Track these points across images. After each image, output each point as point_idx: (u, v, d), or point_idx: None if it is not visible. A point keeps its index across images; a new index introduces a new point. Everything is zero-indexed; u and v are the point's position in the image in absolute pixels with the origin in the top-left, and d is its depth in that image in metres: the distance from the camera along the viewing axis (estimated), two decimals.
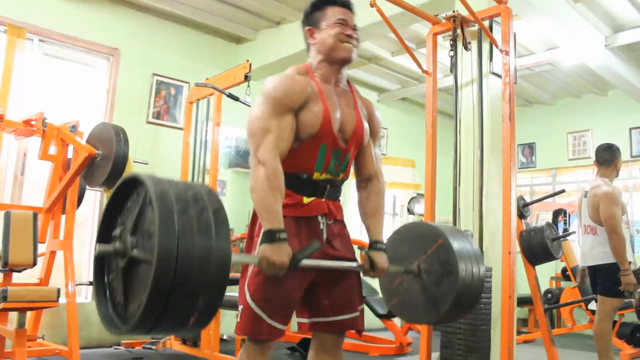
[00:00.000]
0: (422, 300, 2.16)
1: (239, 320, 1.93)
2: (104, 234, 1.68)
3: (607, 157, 4.22)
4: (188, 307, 1.46)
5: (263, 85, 1.99)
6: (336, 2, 2.05)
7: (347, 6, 2.07)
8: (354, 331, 2.22)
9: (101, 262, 1.71)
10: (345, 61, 2.05)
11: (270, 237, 1.77)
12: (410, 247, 2.25)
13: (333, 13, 2.04)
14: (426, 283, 2.16)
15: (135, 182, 1.62)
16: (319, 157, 1.98)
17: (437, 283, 2.12)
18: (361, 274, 2.11)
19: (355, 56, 2.05)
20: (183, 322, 1.49)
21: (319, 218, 2.01)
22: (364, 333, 5.42)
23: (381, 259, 2.05)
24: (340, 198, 2.15)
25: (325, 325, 2.05)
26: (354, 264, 2.04)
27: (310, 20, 2.09)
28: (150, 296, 1.39)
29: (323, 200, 2.02)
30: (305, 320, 2.07)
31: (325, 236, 2.02)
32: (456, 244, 2.17)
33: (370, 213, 2.14)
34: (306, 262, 1.85)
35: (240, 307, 1.94)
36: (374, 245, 2.08)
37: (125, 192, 1.67)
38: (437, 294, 2.11)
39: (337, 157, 2.02)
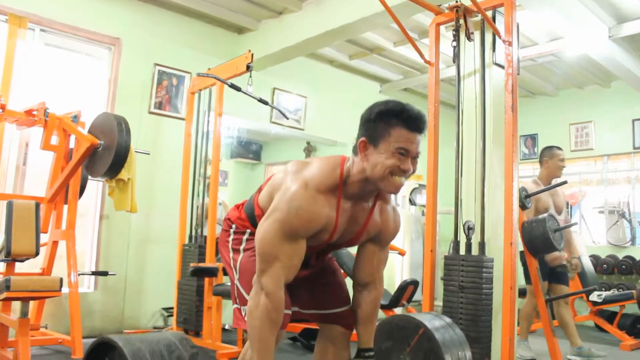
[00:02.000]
0: None
1: (247, 319, 1.91)
2: None
3: (540, 158, 4.79)
4: None
5: (285, 187, 1.83)
6: (407, 123, 1.78)
7: (418, 130, 1.80)
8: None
9: None
10: (390, 194, 1.94)
11: None
12: (393, 341, 2.26)
13: (397, 138, 1.77)
14: None
15: (106, 346, 1.59)
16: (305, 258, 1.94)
17: None
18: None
19: (400, 189, 1.87)
20: None
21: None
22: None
23: None
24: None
25: (322, 317, 2.10)
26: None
27: (369, 130, 1.82)
28: None
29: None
30: (307, 312, 2.11)
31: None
32: (438, 333, 2.17)
33: (363, 320, 2.09)
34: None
35: (243, 308, 1.95)
36: (362, 354, 2.06)
37: (99, 355, 1.64)
38: None
39: (309, 260, 2.04)
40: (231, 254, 2.06)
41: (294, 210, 1.76)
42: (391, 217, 2.04)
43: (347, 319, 2.13)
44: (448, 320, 2.41)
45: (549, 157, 4.67)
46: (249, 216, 2.05)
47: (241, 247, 2.03)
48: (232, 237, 2.08)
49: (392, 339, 2.25)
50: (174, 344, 1.51)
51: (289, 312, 1.97)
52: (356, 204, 1.91)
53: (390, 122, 1.77)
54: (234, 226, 2.10)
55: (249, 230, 2.04)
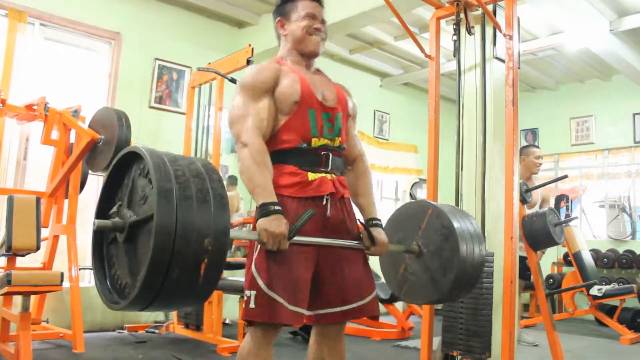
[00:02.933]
0: (431, 275, 2.16)
1: (253, 306, 1.87)
2: (103, 210, 1.69)
3: (520, 156, 4.81)
4: (196, 254, 1.45)
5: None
6: None
7: (318, 0, 2.14)
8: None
9: (99, 239, 1.71)
10: (312, 54, 2.12)
11: (265, 210, 1.81)
12: (404, 231, 2.26)
13: (303, 6, 2.11)
14: (429, 257, 2.16)
15: (132, 156, 1.63)
16: (311, 123, 2.01)
17: (439, 251, 2.14)
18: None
19: (322, 49, 2.13)
20: (193, 272, 1.46)
21: (325, 198, 2.00)
22: (365, 318, 5.44)
23: (380, 234, 2.07)
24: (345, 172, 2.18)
25: (329, 317, 2.02)
26: (355, 242, 2.04)
27: (282, 11, 2.17)
28: (154, 257, 1.39)
29: (329, 177, 2.01)
30: (310, 313, 2.02)
31: (330, 220, 2.00)
32: (445, 208, 2.20)
33: (362, 192, 2.18)
34: (307, 239, 1.88)
35: (253, 292, 1.87)
36: (370, 222, 2.10)
37: (122, 168, 1.68)
38: (442, 261, 2.12)
39: (327, 119, 2.06)
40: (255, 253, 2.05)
41: (247, 74, 2.03)
42: (344, 87, 2.25)
43: (374, 310, 2.08)
44: (462, 210, 2.44)
45: (526, 155, 4.87)
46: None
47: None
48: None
49: (403, 229, 2.26)
50: (198, 167, 1.58)
51: (308, 313, 1.94)
52: (307, 70, 2.13)
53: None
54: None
55: None
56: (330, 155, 2.04)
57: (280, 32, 2.18)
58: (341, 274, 2.01)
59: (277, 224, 1.78)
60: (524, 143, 8.65)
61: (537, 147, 5.07)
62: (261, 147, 1.91)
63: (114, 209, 1.63)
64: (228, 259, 4.49)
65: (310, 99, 2.02)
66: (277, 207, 1.82)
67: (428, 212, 2.20)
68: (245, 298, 1.92)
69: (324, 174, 2.01)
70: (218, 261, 1.49)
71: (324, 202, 1.99)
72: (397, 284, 2.31)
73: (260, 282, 1.88)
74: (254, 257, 1.94)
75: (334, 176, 2.04)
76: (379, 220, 2.12)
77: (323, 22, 2.13)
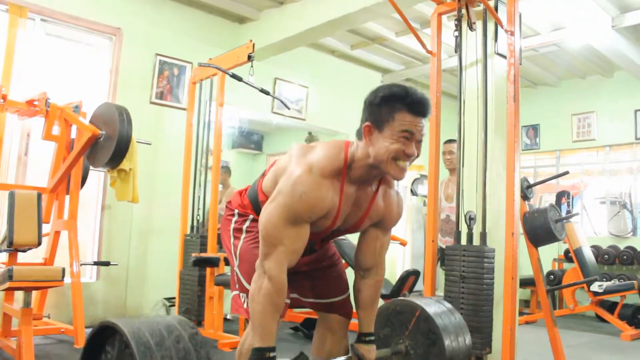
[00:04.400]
0: None
1: (246, 306, 1.93)
2: None
3: None
4: None
5: (289, 172, 1.81)
6: (410, 108, 1.77)
7: (422, 114, 1.79)
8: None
9: None
10: (393, 179, 1.91)
11: (259, 356, 1.76)
12: (391, 328, 2.26)
13: (401, 122, 1.76)
14: (416, 359, 2.17)
15: (107, 330, 1.59)
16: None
17: (426, 355, 2.14)
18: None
19: (405, 175, 1.85)
20: None
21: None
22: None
23: (369, 352, 2.05)
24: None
25: (324, 306, 2.14)
26: (342, 359, 2.06)
27: (374, 115, 1.81)
28: None
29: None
30: (310, 300, 2.13)
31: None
32: (435, 314, 2.19)
33: (364, 305, 2.09)
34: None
35: (243, 294, 1.96)
36: (362, 338, 2.07)
37: (99, 343, 1.64)
38: None
39: (312, 246, 2.03)
40: (232, 240, 2.06)
41: (298, 195, 1.74)
42: (394, 202, 2.03)
43: (345, 307, 2.15)
44: (448, 305, 2.42)
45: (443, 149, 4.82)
46: (252, 202, 2.05)
47: (242, 234, 2.03)
48: (233, 223, 2.08)
49: (391, 325, 2.26)
50: (173, 325, 1.53)
51: (288, 300, 1.97)
52: (359, 189, 1.90)
53: (394, 106, 1.76)
54: (235, 212, 2.10)
55: (251, 216, 2.04)
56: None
57: (365, 139, 1.82)
58: (326, 279, 2.16)
59: None
60: (526, 139, 8.65)
61: (450, 141, 4.87)
62: (282, 285, 1.79)
63: None
64: (222, 255, 4.49)
65: (320, 236, 1.97)
66: (272, 354, 1.77)
67: (416, 314, 2.20)
68: (232, 295, 1.98)
69: None
70: None
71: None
72: None
73: (245, 283, 1.95)
74: (236, 264, 2.02)
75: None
76: (373, 335, 2.09)
77: (419, 142, 1.81)
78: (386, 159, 1.77)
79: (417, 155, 1.82)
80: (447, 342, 2.10)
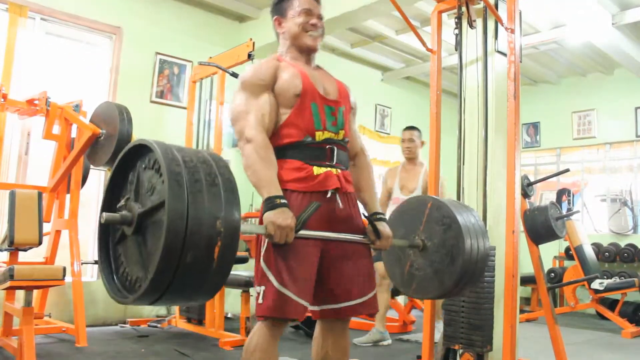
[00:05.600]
0: (437, 267, 2.15)
1: (261, 301, 1.88)
2: (108, 207, 1.68)
3: None
4: (209, 237, 1.43)
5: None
6: None
7: None
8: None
9: (105, 233, 1.70)
10: (310, 50, 2.12)
11: (271, 203, 1.81)
12: (406, 227, 2.25)
13: (299, 3, 2.11)
14: (434, 250, 2.16)
15: (138, 151, 1.63)
16: (314, 116, 2.01)
17: (443, 242, 2.13)
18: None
19: (319, 45, 2.13)
20: (207, 255, 1.44)
21: (330, 193, 2.00)
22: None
23: (385, 227, 2.08)
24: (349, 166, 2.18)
25: (333, 312, 2.04)
26: (360, 236, 2.05)
27: (278, 9, 2.17)
28: (167, 241, 1.38)
29: (334, 171, 2.02)
30: (315, 308, 2.06)
31: (336, 214, 2.02)
32: (445, 200, 2.23)
33: (364, 187, 2.20)
34: (314, 233, 1.88)
35: (262, 288, 1.89)
36: (374, 216, 2.11)
37: (126, 164, 1.67)
38: (447, 251, 2.11)
39: (331, 112, 2.06)
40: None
41: (247, 72, 2.03)
42: (344, 83, 2.24)
43: (373, 305, 2.09)
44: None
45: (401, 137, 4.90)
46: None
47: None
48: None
49: (404, 225, 2.26)
50: (208, 160, 1.57)
51: (317, 308, 2.01)
52: (308, 65, 2.13)
53: None
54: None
55: None
56: (335, 149, 2.04)
57: (278, 31, 2.18)
58: (346, 270, 2.03)
59: (283, 217, 1.78)
60: (526, 137, 8.65)
61: (411, 128, 4.95)
62: (265, 142, 1.91)
63: (122, 202, 1.61)
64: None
65: (312, 92, 2.02)
66: (283, 201, 1.82)
67: (428, 206, 2.21)
68: (255, 294, 1.94)
69: (329, 168, 2.01)
70: (231, 244, 1.48)
71: (329, 196, 2.00)
72: (405, 283, 2.30)
73: (271, 277, 1.89)
74: (262, 252, 1.95)
75: (339, 171, 2.05)
76: (383, 214, 2.14)
77: (320, 17, 2.14)
78: (298, 31, 2.10)
79: (322, 30, 2.13)
80: (460, 220, 2.09)
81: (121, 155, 1.68)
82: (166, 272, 1.40)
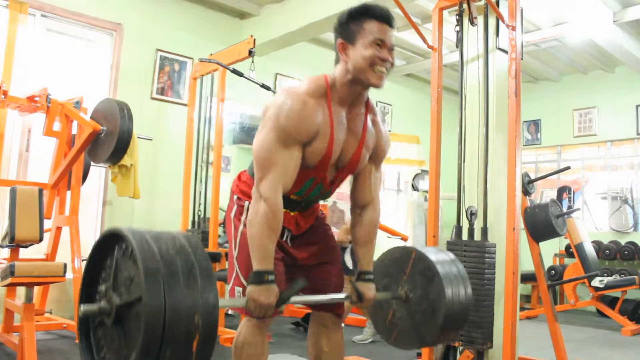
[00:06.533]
0: (419, 318, 2.15)
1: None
2: (87, 293, 1.67)
3: None
4: (187, 331, 1.43)
5: (274, 101, 1.87)
6: (375, 16, 1.87)
7: (387, 22, 1.89)
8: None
9: (85, 323, 1.68)
10: (374, 87, 1.93)
11: (259, 278, 1.77)
12: (390, 277, 2.25)
13: (371, 30, 1.86)
14: (416, 302, 2.16)
15: (114, 237, 1.60)
16: (303, 187, 1.97)
17: (426, 295, 2.13)
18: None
19: (384, 82, 1.91)
20: (186, 351, 1.45)
21: (285, 230, 2.03)
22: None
23: (368, 289, 2.05)
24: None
25: (326, 306, 2.12)
26: (341, 296, 2.05)
27: (345, 32, 1.91)
28: (145, 339, 1.38)
29: (291, 214, 2.04)
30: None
31: (289, 244, 2.07)
32: (426, 250, 2.20)
33: (362, 242, 2.11)
34: (295, 299, 1.87)
35: (240, 289, 1.96)
36: (361, 276, 2.07)
37: (104, 248, 1.64)
38: (429, 304, 2.11)
39: (320, 190, 2.03)
40: (232, 227, 2.06)
41: (285, 114, 1.80)
42: (383, 130, 2.09)
43: (340, 308, 2.15)
44: (442, 250, 2.45)
45: None
46: (252, 176, 2.04)
47: (242, 219, 2.02)
48: (234, 209, 2.09)
49: (389, 274, 2.25)
50: (182, 243, 1.55)
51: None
52: (349, 112, 1.95)
53: (361, 18, 1.88)
54: (235, 197, 2.11)
55: (248, 202, 2.03)
56: (303, 204, 2.05)
57: (340, 56, 1.91)
58: (325, 272, 2.12)
59: (267, 295, 1.76)
60: (527, 134, 8.65)
61: None
62: (278, 207, 1.81)
63: (101, 289, 1.59)
64: (224, 250, 4.49)
65: (321, 170, 1.94)
66: (271, 277, 1.78)
67: (411, 256, 2.19)
68: (229, 290, 1.98)
69: (287, 211, 1.99)
70: (209, 336, 1.47)
71: (283, 235, 2.03)
72: (386, 331, 2.30)
73: (242, 279, 1.96)
74: (235, 255, 2.01)
75: (296, 214, 2.07)
76: (371, 274, 2.09)
77: (391, 49, 1.90)
78: (364, 66, 1.85)
79: (392, 63, 1.90)
80: (442, 273, 2.09)
81: (97, 241, 1.65)
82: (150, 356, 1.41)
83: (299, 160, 1.85)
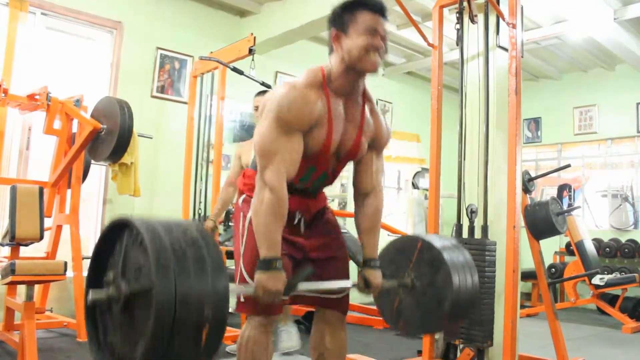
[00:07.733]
0: (425, 307, 2.16)
1: (244, 301, 1.96)
2: (95, 278, 1.66)
3: None
4: (196, 323, 1.43)
5: (273, 94, 1.91)
6: (368, 6, 1.92)
7: (380, 12, 1.93)
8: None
9: (93, 310, 1.67)
10: (370, 73, 1.95)
11: (267, 265, 1.78)
12: (396, 264, 2.25)
13: (363, 19, 1.90)
14: (423, 290, 2.17)
15: (123, 224, 1.59)
16: (305, 175, 1.98)
17: (432, 283, 2.13)
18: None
19: (379, 69, 1.96)
20: (195, 342, 1.45)
21: (296, 214, 2.05)
22: (368, 307, 5.48)
23: (375, 277, 2.06)
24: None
25: (332, 302, 2.11)
26: (348, 283, 2.06)
27: (338, 22, 1.95)
28: (155, 330, 1.37)
29: (302, 199, 2.05)
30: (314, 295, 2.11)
31: (302, 231, 2.07)
32: (433, 240, 2.19)
33: (366, 230, 2.12)
34: (302, 286, 1.88)
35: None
36: (368, 263, 2.08)
37: (113, 234, 1.64)
38: (435, 293, 2.12)
39: (325, 178, 2.05)
40: (240, 224, 2.07)
41: (286, 105, 1.84)
42: (382, 119, 2.11)
43: (345, 304, 2.15)
44: (449, 238, 2.45)
45: None
46: (255, 170, 2.03)
47: (248, 216, 2.01)
48: (241, 206, 2.11)
49: (395, 262, 2.26)
50: (192, 232, 1.54)
51: (286, 298, 1.98)
52: (347, 101, 1.98)
53: (355, 8, 1.92)
54: (242, 198, 2.15)
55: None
56: (309, 190, 2.07)
57: (335, 46, 1.95)
58: (328, 269, 2.10)
59: (274, 282, 1.77)
60: (527, 132, 8.65)
61: (262, 92, 4.18)
62: (284, 196, 1.83)
63: (109, 276, 1.58)
64: (229, 248, 4.49)
65: (322, 159, 1.97)
66: (278, 264, 1.79)
67: (417, 246, 2.20)
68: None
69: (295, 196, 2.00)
70: (219, 329, 1.48)
71: (295, 219, 2.05)
72: (393, 318, 2.31)
73: (247, 277, 1.95)
74: (241, 251, 2.01)
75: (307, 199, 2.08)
76: (377, 260, 2.10)
77: (384, 37, 1.93)
78: (358, 54, 1.88)
79: (385, 51, 1.94)
80: (450, 263, 2.08)
81: (106, 227, 1.65)
82: (154, 357, 1.41)
83: (301, 148, 1.88)
